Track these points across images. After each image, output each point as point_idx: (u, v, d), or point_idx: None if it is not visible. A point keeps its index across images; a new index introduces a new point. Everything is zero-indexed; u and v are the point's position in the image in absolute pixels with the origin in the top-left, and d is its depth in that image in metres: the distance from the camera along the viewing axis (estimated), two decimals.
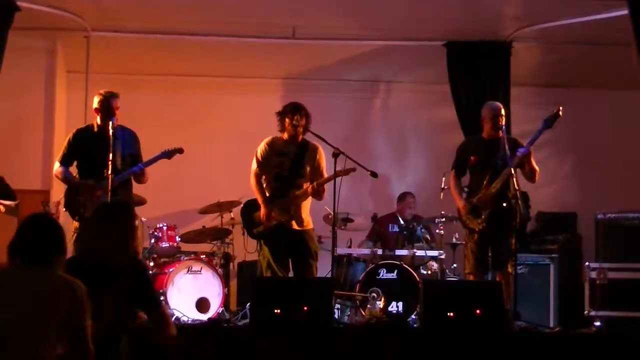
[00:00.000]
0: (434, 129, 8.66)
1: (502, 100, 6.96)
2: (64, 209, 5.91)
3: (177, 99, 8.53)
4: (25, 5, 6.79)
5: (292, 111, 5.92)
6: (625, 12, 6.29)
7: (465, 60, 7.77)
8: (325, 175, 5.95)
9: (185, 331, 5.11)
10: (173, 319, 5.75)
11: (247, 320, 5.57)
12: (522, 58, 7.81)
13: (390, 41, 7.80)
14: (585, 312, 6.30)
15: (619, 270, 6.27)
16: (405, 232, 7.20)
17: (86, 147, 5.84)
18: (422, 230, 7.20)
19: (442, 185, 6.76)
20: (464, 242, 6.32)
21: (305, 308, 5.10)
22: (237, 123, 8.36)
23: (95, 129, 5.87)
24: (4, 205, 6.22)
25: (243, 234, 6.49)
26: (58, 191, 6.51)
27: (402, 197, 7.97)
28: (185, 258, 6.73)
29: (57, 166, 5.94)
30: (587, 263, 6.46)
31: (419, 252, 6.94)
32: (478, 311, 5.18)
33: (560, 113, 5.68)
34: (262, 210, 5.93)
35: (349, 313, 6.62)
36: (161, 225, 6.93)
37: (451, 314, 5.17)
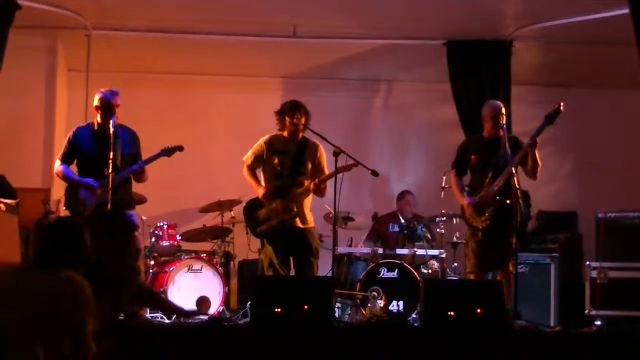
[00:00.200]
0: (434, 128, 8.66)
1: (503, 99, 6.94)
2: (64, 208, 5.89)
3: (177, 97, 8.53)
4: (26, 4, 6.78)
5: (292, 109, 5.90)
6: (625, 11, 6.27)
7: (465, 59, 7.76)
8: (327, 172, 5.94)
9: (185, 330, 5.11)
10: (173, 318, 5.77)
11: (248, 319, 5.58)
12: (522, 57, 7.81)
13: (390, 40, 7.78)
14: (586, 311, 6.31)
15: (620, 270, 6.28)
16: (405, 231, 7.19)
17: (86, 145, 5.82)
18: (423, 229, 7.20)
19: (443, 184, 6.76)
20: (464, 241, 6.32)
21: (306, 307, 5.08)
22: (238, 121, 8.35)
23: (96, 127, 5.84)
24: (5, 203, 6.20)
25: (246, 233, 6.46)
26: (59, 189, 6.50)
27: (401, 195, 7.97)
28: (186, 257, 6.74)
29: (57, 164, 5.92)
30: (587, 262, 6.47)
31: (420, 251, 6.94)
32: (479, 310, 5.15)
33: (562, 109, 5.66)
34: (260, 192, 5.90)
35: (349, 312, 6.62)
36: (162, 224, 6.94)
37: (452, 313, 5.15)
